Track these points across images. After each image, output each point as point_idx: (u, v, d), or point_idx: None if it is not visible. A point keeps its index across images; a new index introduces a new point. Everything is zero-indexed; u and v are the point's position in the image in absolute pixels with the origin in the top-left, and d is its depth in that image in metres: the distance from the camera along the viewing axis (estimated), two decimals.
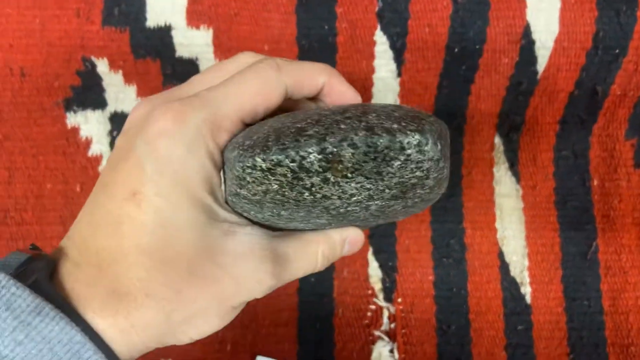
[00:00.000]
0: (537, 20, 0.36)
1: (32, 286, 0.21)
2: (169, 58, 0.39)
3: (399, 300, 0.39)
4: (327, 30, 0.37)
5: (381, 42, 0.37)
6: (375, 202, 0.23)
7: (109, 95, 0.40)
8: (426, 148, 0.21)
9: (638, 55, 0.36)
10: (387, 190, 0.23)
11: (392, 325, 0.39)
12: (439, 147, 0.22)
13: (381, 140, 0.21)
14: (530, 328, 0.38)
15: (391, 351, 0.39)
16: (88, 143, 0.40)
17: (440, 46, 0.37)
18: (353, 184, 0.22)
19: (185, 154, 0.23)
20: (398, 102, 0.39)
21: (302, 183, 0.22)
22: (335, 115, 0.22)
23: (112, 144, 0.40)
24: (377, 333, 0.39)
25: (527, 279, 0.39)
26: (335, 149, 0.21)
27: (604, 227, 0.39)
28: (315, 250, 0.27)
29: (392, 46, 0.37)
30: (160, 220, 0.22)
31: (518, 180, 0.40)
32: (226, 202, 0.25)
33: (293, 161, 0.21)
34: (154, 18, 0.38)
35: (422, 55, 0.38)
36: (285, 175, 0.21)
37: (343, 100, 0.27)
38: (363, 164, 0.21)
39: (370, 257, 0.40)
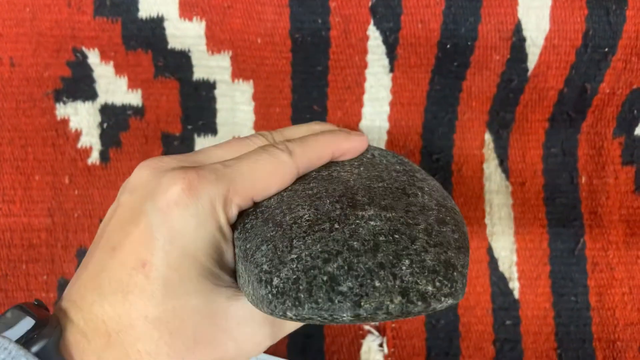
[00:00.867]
0: (528, 17, 0.36)
1: (39, 355, 0.21)
2: (161, 50, 0.38)
3: None
4: (320, 24, 0.37)
5: (374, 37, 0.38)
6: None
7: (100, 86, 0.39)
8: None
9: (627, 54, 0.36)
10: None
11: None
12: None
13: (416, 309, 0.21)
14: (518, 323, 0.39)
15: (380, 345, 0.39)
16: (78, 135, 0.40)
17: (432, 42, 0.37)
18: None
19: (196, 227, 0.23)
20: (390, 98, 0.39)
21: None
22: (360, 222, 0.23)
23: (102, 136, 0.40)
24: (366, 327, 0.39)
25: (516, 275, 0.39)
26: (369, 315, 0.21)
27: (591, 223, 0.40)
28: None
29: (385, 41, 0.38)
30: (169, 291, 0.23)
31: (507, 177, 0.40)
32: (234, 271, 0.26)
33: (325, 319, 0.21)
34: (146, 9, 0.37)
35: (414, 51, 0.38)
36: (312, 320, 0.22)
37: (353, 154, 0.29)
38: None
39: None
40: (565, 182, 0.40)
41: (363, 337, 0.39)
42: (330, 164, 0.28)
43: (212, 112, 0.40)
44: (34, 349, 0.21)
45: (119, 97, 0.40)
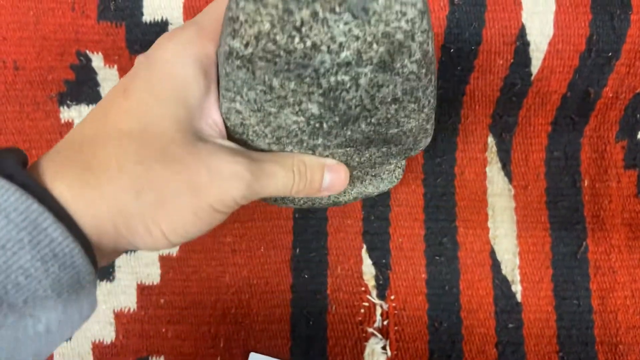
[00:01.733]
0: (532, 22, 0.36)
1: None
2: None
3: (392, 297, 0.39)
4: None
5: None
6: (364, 70, 0.24)
7: (104, 90, 0.39)
8: None
9: (630, 59, 0.37)
10: (374, 46, 0.23)
11: (385, 322, 0.39)
12: (424, 4, 0.22)
13: None
14: (520, 326, 0.39)
15: (383, 348, 0.39)
16: None
17: (436, 46, 0.37)
18: (341, 26, 0.22)
19: (173, 58, 0.25)
20: None
21: (292, 19, 0.22)
22: None
23: None
24: (370, 330, 0.39)
25: (518, 278, 0.39)
26: None
27: (593, 227, 0.40)
28: (291, 162, 0.27)
29: None
30: (144, 108, 0.24)
31: (510, 180, 0.41)
32: (219, 109, 0.26)
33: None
34: (150, 13, 0.37)
35: None
36: (276, 7, 0.21)
37: None
38: None
39: (364, 254, 0.40)
40: (567, 186, 0.40)
41: (366, 339, 0.39)
42: None
43: None
44: None
45: None
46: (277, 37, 0.22)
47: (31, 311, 0.21)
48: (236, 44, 0.23)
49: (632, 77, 0.37)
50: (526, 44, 0.36)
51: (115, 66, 0.39)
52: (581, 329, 0.39)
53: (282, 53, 0.23)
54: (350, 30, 0.22)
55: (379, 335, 0.39)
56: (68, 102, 0.39)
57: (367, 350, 0.39)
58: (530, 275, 0.40)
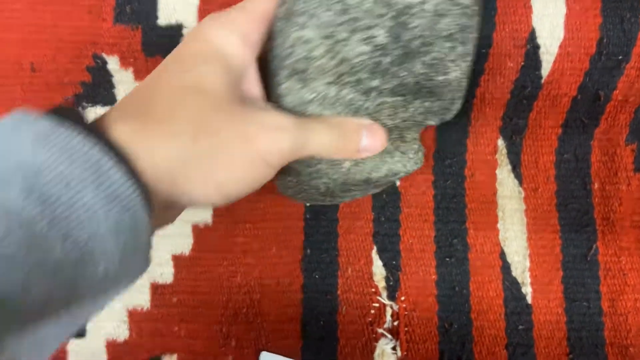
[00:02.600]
0: (542, 25, 0.36)
1: (54, 114, 0.22)
2: None
3: (402, 298, 0.40)
4: None
5: None
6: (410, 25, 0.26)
7: (120, 92, 0.40)
8: None
9: None
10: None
11: (395, 323, 0.39)
12: None
13: None
14: (530, 328, 0.39)
15: (394, 348, 0.39)
16: None
17: None
18: None
19: (217, 31, 0.27)
20: None
21: None
22: None
23: None
24: (380, 330, 0.39)
25: (528, 280, 0.40)
26: None
27: (604, 229, 0.40)
28: (330, 121, 0.28)
29: None
30: (196, 71, 0.25)
31: (520, 182, 0.41)
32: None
33: None
34: (165, 16, 0.38)
35: None
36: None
37: None
38: None
39: (375, 255, 0.40)
40: (577, 188, 0.41)
41: (376, 340, 0.39)
42: None
43: None
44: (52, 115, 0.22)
45: None
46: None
47: (91, 253, 0.21)
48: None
49: None
50: (536, 47, 0.37)
51: (131, 69, 0.39)
52: (591, 331, 0.39)
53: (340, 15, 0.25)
54: None
55: (389, 336, 0.39)
56: (84, 103, 0.40)
57: (377, 351, 0.39)
58: (541, 277, 0.40)
